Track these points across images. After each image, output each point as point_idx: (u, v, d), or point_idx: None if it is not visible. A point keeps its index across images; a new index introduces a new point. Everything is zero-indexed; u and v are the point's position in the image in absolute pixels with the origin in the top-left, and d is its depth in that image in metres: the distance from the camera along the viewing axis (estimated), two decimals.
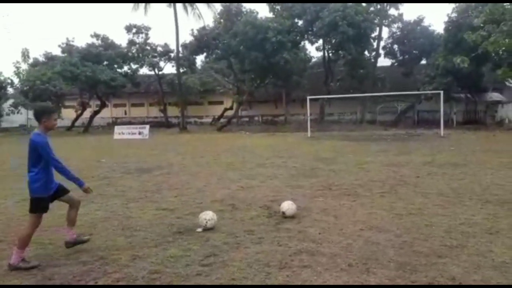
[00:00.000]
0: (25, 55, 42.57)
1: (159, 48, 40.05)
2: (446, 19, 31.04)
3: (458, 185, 8.37)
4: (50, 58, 38.35)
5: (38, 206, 4.42)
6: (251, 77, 35.70)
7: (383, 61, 37.88)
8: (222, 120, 40.02)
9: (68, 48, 38.09)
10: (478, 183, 8.46)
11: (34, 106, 4.81)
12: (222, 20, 34.85)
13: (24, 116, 46.33)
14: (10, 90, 44.74)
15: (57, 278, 4.01)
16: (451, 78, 28.94)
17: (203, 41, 35.49)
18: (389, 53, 37.26)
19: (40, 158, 4.36)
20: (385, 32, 36.69)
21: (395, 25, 36.55)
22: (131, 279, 3.95)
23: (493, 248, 4.59)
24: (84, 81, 35.18)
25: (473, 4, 28.43)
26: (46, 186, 4.47)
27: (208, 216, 5.57)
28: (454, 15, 30.37)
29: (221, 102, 43.85)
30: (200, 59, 41.37)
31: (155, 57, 40.12)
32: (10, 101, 45.71)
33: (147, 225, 5.80)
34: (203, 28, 36.25)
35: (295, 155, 14.67)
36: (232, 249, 4.73)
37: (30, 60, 41.92)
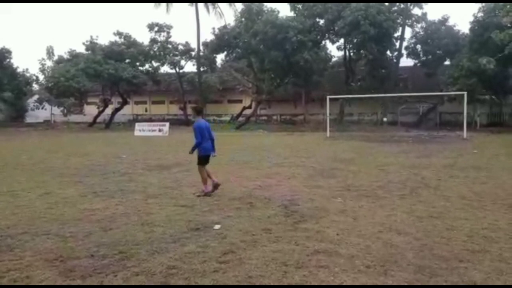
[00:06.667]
0: (49, 52, 43.63)
1: (180, 47, 40.46)
2: (471, 19, 30.26)
3: (480, 189, 8.17)
4: (74, 55, 39.19)
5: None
6: (270, 76, 35.66)
7: (406, 61, 37.22)
8: (240, 118, 40.12)
9: (92, 46, 38.85)
10: (502, 188, 8.23)
11: (196, 106, 8.90)
12: (243, 19, 34.91)
13: (48, 112, 47.59)
14: (35, 86, 46.04)
15: (78, 271, 4.09)
16: (475, 80, 28.19)
17: (223, 39, 35.66)
18: (412, 53, 36.57)
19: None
20: (408, 32, 36.08)
21: (419, 25, 35.86)
22: (149, 274, 4.01)
23: None
24: (106, 78, 35.88)
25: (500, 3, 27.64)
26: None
27: None
28: (480, 14, 29.58)
29: (240, 101, 43.97)
30: (220, 58, 41.69)
31: (176, 55, 40.54)
32: (35, 97, 47.10)
33: (165, 221, 5.86)
34: (224, 26, 36.44)
35: (314, 155, 14.59)
36: (249, 247, 4.74)
37: (55, 57, 42.96)
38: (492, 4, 28.71)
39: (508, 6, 25.90)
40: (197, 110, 8.38)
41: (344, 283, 3.77)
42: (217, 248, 4.69)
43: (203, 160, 7.81)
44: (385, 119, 26.23)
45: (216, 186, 7.76)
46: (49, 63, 43.58)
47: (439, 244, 4.82)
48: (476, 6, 31.19)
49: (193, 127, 7.86)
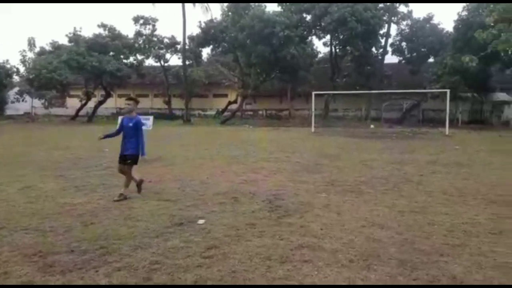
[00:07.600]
0: (31, 43, 42.49)
1: (166, 40, 39.98)
2: (456, 17, 30.74)
3: (462, 184, 8.31)
4: (56, 47, 38.27)
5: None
6: (256, 71, 35.54)
7: (391, 58, 37.57)
8: (225, 113, 39.97)
9: (75, 38, 38.02)
10: (483, 183, 8.40)
11: (135, 98, 7.63)
12: (230, 13, 34.64)
13: (28, 104, 46.55)
14: (15, 78, 44.93)
15: (57, 266, 4.01)
16: (458, 77, 28.65)
17: (210, 33, 35.33)
18: (397, 51, 36.92)
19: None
20: (393, 29, 36.37)
21: (404, 22, 36.22)
22: (132, 269, 3.96)
23: (495, 248, 4.56)
24: (89, 71, 35.19)
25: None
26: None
27: None
28: (464, 13, 30.02)
29: (226, 95, 43.73)
30: (206, 52, 41.33)
31: (161, 48, 40.05)
32: (16, 89, 46.01)
33: (148, 216, 5.80)
34: (211, 20, 36.08)
35: (299, 150, 14.63)
36: (233, 242, 4.72)
37: (37, 49, 41.91)
38: (476, 4, 29.15)
39: (491, 6, 26.28)
40: (137, 102, 7.55)
41: (328, 277, 3.79)
42: (201, 243, 4.66)
43: (137, 160, 7.23)
44: (372, 126, 26.66)
45: (138, 185, 7.30)
46: (30, 55, 42.49)
47: (420, 238, 4.89)
48: (460, 5, 31.65)
49: (141, 122, 7.26)
